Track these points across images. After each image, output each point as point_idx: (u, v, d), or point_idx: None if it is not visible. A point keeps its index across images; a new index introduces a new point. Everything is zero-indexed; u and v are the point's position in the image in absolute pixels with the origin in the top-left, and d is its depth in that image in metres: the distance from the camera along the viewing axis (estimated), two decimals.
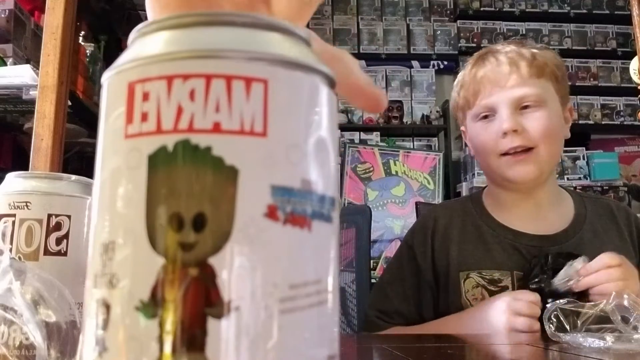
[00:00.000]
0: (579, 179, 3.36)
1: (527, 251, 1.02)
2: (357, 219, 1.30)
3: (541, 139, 1.01)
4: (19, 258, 0.45)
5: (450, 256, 1.07)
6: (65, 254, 0.47)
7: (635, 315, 0.68)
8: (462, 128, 1.16)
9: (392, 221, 3.14)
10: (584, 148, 3.40)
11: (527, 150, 1.01)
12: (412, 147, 3.45)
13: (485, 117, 1.05)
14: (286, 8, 0.35)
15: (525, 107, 1.02)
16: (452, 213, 1.14)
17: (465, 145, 1.27)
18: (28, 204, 0.46)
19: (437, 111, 3.49)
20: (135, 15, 2.62)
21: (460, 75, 1.12)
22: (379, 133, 3.44)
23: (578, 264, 0.91)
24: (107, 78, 0.23)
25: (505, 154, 1.02)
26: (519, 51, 1.04)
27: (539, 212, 1.09)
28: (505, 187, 1.08)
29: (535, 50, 1.05)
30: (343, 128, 3.27)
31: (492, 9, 3.62)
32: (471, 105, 1.07)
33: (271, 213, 0.20)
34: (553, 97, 1.04)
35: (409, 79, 3.57)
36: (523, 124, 1.01)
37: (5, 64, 1.48)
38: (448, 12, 3.68)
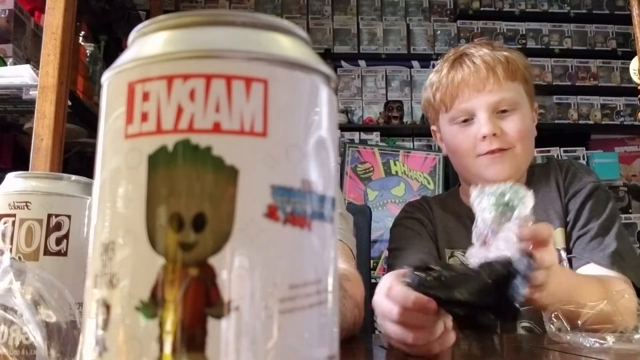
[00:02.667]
0: None
1: None
2: (357, 219, 1.30)
3: (518, 140, 1.03)
4: (19, 258, 0.45)
5: (439, 233, 1.11)
6: (65, 254, 0.47)
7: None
8: (433, 128, 1.17)
9: (392, 221, 3.13)
10: (584, 148, 3.38)
11: (504, 149, 1.03)
12: (412, 147, 3.44)
13: (464, 121, 1.06)
14: None
15: (502, 110, 1.04)
16: (435, 201, 1.20)
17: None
18: (28, 204, 0.46)
19: None
20: (135, 15, 2.61)
21: (434, 77, 1.12)
22: (379, 133, 3.42)
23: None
24: (107, 78, 0.23)
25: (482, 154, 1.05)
26: (494, 55, 1.06)
27: None
28: None
29: (506, 54, 1.07)
30: (343, 128, 3.25)
31: (492, 9, 3.61)
32: (448, 108, 1.08)
33: (271, 213, 0.20)
34: (524, 98, 1.07)
35: (409, 79, 3.57)
36: (501, 127, 1.03)
37: (5, 64, 1.48)
38: (448, 12, 3.67)
